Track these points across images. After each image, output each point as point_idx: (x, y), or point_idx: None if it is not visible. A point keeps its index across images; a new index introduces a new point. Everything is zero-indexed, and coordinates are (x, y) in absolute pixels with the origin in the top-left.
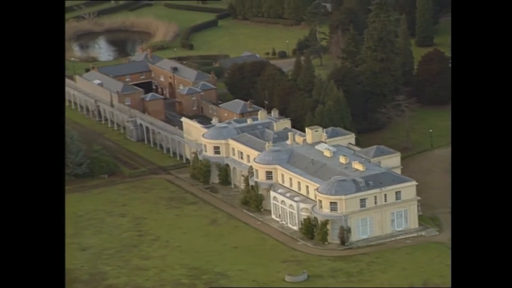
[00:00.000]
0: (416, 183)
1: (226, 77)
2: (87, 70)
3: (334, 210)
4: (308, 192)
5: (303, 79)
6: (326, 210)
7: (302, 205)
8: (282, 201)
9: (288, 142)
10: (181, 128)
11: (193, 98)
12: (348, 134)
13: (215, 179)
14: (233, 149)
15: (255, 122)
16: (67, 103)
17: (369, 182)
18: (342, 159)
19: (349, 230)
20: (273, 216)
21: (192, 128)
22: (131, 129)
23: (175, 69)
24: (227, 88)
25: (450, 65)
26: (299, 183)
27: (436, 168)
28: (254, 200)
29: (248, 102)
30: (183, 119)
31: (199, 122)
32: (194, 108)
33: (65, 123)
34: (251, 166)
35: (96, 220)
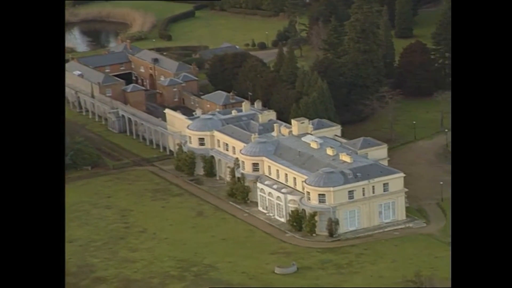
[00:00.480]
0: (404, 175)
1: (207, 68)
2: (66, 61)
3: (322, 202)
4: (295, 184)
5: (286, 71)
6: (314, 202)
7: (289, 197)
8: (269, 193)
9: (274, 133)
10: (164, 119)
11: (175, 89)
12: (334, 126)
13: (200, 170)
14: (218, 140)
15: (240, 113)
16: None
17: (357, 174)
18: (329, 151)
19: (337, 222)
20: (260, 208)
21: (176, 119)
22: (113, 121)
23: (155, 60)
24: (208, 80)
25: (432, 56)
26: (286, 175)
27: (420, 160)
28: (241, 192)
29: (231, 93)
30: (167, 110)
31: (182, 113)
32: (176, 100)
33: None
34: (237, 158)
35: (82, 212)
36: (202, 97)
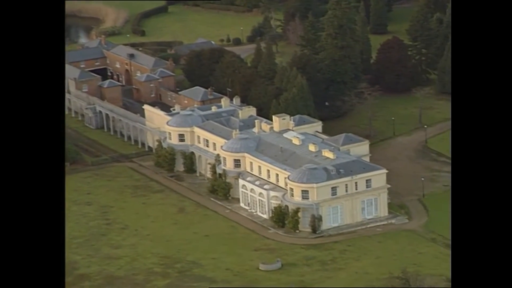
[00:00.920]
0: (387, 171)
1: (184, 64)
2: None
3: (305, 198)
4: (278, 180)
5: (264, 67)
6: (297, 198)
7: (272, 193)
8: (252, 189)
9: (255, 130)
10: (142, 115)
11: (152, 85)
12: (315, 122)
13: (180, 167)
14: (199, 137)
15: (220, 109)
16: None
17: (340, 170)
18: (311, 147)
19: (320, 218)
20: (242, 204)
21: (154, 115)
22: (90, 116)
23: (131, 56)
24: (185, 75)
25: (409, 52)
26: (268, 171)
27: (400, 156)
28: (222, 188)
29: (209, 89)
30: (145, 106)
31: (160, 109)
32: (152, 95)
33: None
34: (218, 154)
35: None
36: (179, 93)
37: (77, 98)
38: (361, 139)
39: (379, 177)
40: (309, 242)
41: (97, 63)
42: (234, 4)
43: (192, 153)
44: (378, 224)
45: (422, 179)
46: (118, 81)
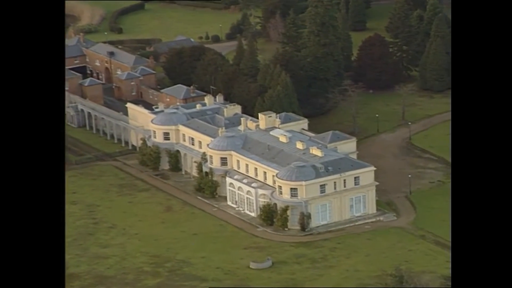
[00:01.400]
0: (375, 168)
1: (164, 61)
2: None
3: (294, 196)
4: (265, 178)
5: (247, 64)
6: (286, 196)
7: (260, 191)
8: (239, 188)
9: (241, 127)
10: (124, 113)
11: (132, 83)
12: (301, 120)
13: (165, 165)
14: (184, 135)
15: (204, 107)
16: None
17: (328, 168)
18: (299, 145)
19: (309, 216)
20: (229, 203)
21: (138, 113)
22: (72, 115)
23: (111, 54)
24: (165, 73)
25: (390, 49)
26: (256, 169)
27: (385, 153)
28: (209, 186)
29: (191, 87)
30: (129, 105)
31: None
32: (133, 93)
33: None
34: (204, 152)
35: None
36: (161, 90)
37: None
38: (348, 136)
39: (367, 174)
40: (298, 240)
41: (76, 61)
42: (211, 1)
43: (177, 151)
44: (366, 221)
45: (409, 176)
46: (98, 79)
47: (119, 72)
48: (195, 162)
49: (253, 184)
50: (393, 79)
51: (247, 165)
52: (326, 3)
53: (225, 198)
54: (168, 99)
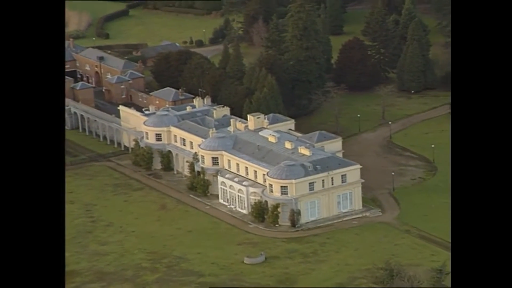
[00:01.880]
0: (360, 166)
1: (152, 65)
2: None
3: (284, 193)
4: (256, 177)
5: (233, 68)
6: (276, 193)
7: (251, 189)
8: (231, 186)
9: (230, 128)
10: (116, 116)
11: (122, 86)
12: (288, 120)
13: (157, 165)
14: (175, 136)
15: (194, 109)
16: None
17: (317, 166)
18: (287, 145)
19: (299, 213)
20: (221, 201)
21: (130, 116)
22: (65, 118)
23: (101, 58)
24: (153, 77)
25: (369, 52)
26: (246, 168)
27: (367, 152)
28: (201, 185)
29: (180, 90)
30: (121, 107)
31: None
32: (123, 96)
33: None
34: (195, 153)
35: None
36: (151, 93)
37: None
38: (334, 136)
39: (353, 172)
40: (289, 235)
41: (67, 66)
42: (193, 7)
43: (169, 151)
44: (353, 217)
45: (393, 173)
46: (88, 82)
47: (109, 76)
48: (187, 162)
49: (244, 183)
50: (372, 80)
51: (237, 165)
52: (308, 8)
53: (217, 196)
54: (157, 102)
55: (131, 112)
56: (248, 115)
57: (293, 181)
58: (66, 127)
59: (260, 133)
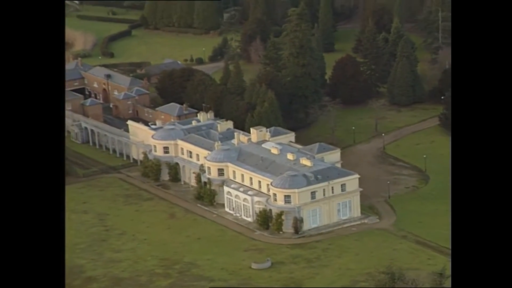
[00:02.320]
0: (359, 176)
1: (156, 82)
2: None
3: (288, 202)
4: (260, 187)
5: (233, 84)
6: (280, 202)
7: (256, 199)
8: (236, 195)
9: (234, 141)
10: (125, 130)
11: (129, 102)
12: (288, 133)
13: (165, 176)
14: (182, 148)
15: (199, 123)
16: None
17: (318, 176)
18: (290, 156)
19: (301, 220)
20: (227, 209)
21: (138, 130)
22: (76, 132)
23: (108, 76)
24: (158, 93)
25: (361, 68)
26: (251, 178)
27: (362, 162)
28: (208, 195)
29: (184, 105)
30: (129, 122)
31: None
32: (130, 112)
33: None
34: (202, 164)
35: None
36: (156, 109)
37: None
38: (333, 147)
39: (352, 181)
40: (293, 242)
41: (76, 83)
42: (191, 26)
43: (177, 163)
44: (352, 224)
45: (388, 182)
46: (96, 99)
47: (116, 93)
48: (193, 173)
49: (249, 192)
50: (365, 95)
51: (242, 175)
52: (304, 28)
53: (223, 205)
54: (163, 116)
55: (139, 127)
56: (251, 129)
57: (296, 190)
58: (77, 141)
59: (263, 145)
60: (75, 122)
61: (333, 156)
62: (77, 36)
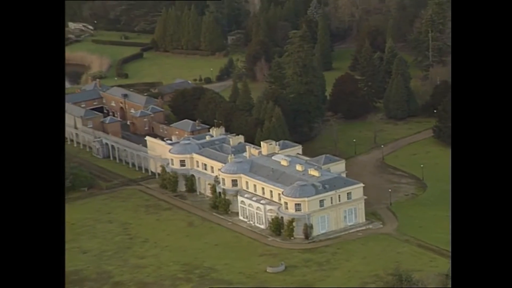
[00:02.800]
0: (363, 185)
1: (169, 100)
2: None
3: (298, 210)
4: (272, 196)
5: (242, 101)
6: (291, 210)
7: (268, 207)
8: (250, 204)
9: (246, 154)
10: (144, 145)
11: (145, 119)
12: (296, 146)
13: (182, 187)
14: (197, 161)
15: (213, 138)
16: None
17: (326, 186)
18: (298, 167)
19: (311, 227)
20: (241, 217)
21: (156, 145)
22: (98, 148)
23: (125, 96)
24: (171, 110)
25: (359, 85)
26: (263, 188)
27: (363, 171)
28: (223, 204)
29: (196, 121)
30: (148, 138)
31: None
32: (146, 128)
33: None
34: (217, 176)
35: (88, 227)
36: (171, 125)
37: (84, 132)
38: (339, 159)
39: (357, 190)
40: (304, 247)
41: (95, 103)
42: (198, 49)
43: (193, 175)
44: (358, 229)
45: (390, 190)
46: (114, 117)
47: (133, 111)
48: (208, 184)
49: (261, 201)
50: (363, 109)
51: (255, 186)
52: (306, 48)
53: (237, 213)
54: (177, 132)
55: (157, 142)
56: (262, 142)
57: (306, 199)
58: (99, 156)
59: (273, 157)
60: (96, 139)
61: (339, 167)
62: (94, 59)
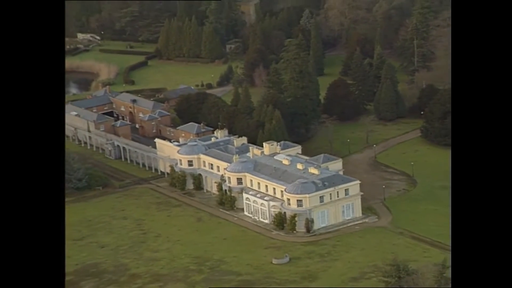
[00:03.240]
0: (360, 182)
1: (175, 105)
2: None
3: (300, 205)
4: (275, 193)
5: (243, 105)
6: (293, 206)
7: (272, 203)
8: (254, 201)
9: (249, 154)
10: (152, 147)
11: (153, 123)
12: (296, 146)
13: (190, 186)
14: (204, 161)
15: (218, 140)
16: None
17: (325, 183)
18: (299, 166)
19: (312, 221)
20: (246, 213)
21: (165, 146)
22: (110, 150)
23: (134, 101)
24: (176, 114)
25: (351, 89)
26: (266, 186)
27: (357, 169)
28: (229, 201)
29: (201, 124)
30: (157, 140)
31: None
32: (154, 131)
33: None
34: (222, 175)
35: (104, 223)
36: (177, 128)
37: (97, 136)
38: (336, 158)
39: (354, 186)
40: (306, 240)
41: (105, 108)
42: (199, 56)
43: (200, 174)
44: (355, 223)
45: (383, 186)
46: (124, 121)
47: (141, 115)
48: (215, 182)
49: (265, 198)
50: (355, 112)
51: (259, 183)
52: (303, 56)
53: (242, 209)
54: (183, 134)
55: (165, 144)
56: (264, 143)
57: (307, 195)
58: (111, 157)
59: (275, 157)
60: (108, 141)
61: (336, 165)
62: (102, 67)
